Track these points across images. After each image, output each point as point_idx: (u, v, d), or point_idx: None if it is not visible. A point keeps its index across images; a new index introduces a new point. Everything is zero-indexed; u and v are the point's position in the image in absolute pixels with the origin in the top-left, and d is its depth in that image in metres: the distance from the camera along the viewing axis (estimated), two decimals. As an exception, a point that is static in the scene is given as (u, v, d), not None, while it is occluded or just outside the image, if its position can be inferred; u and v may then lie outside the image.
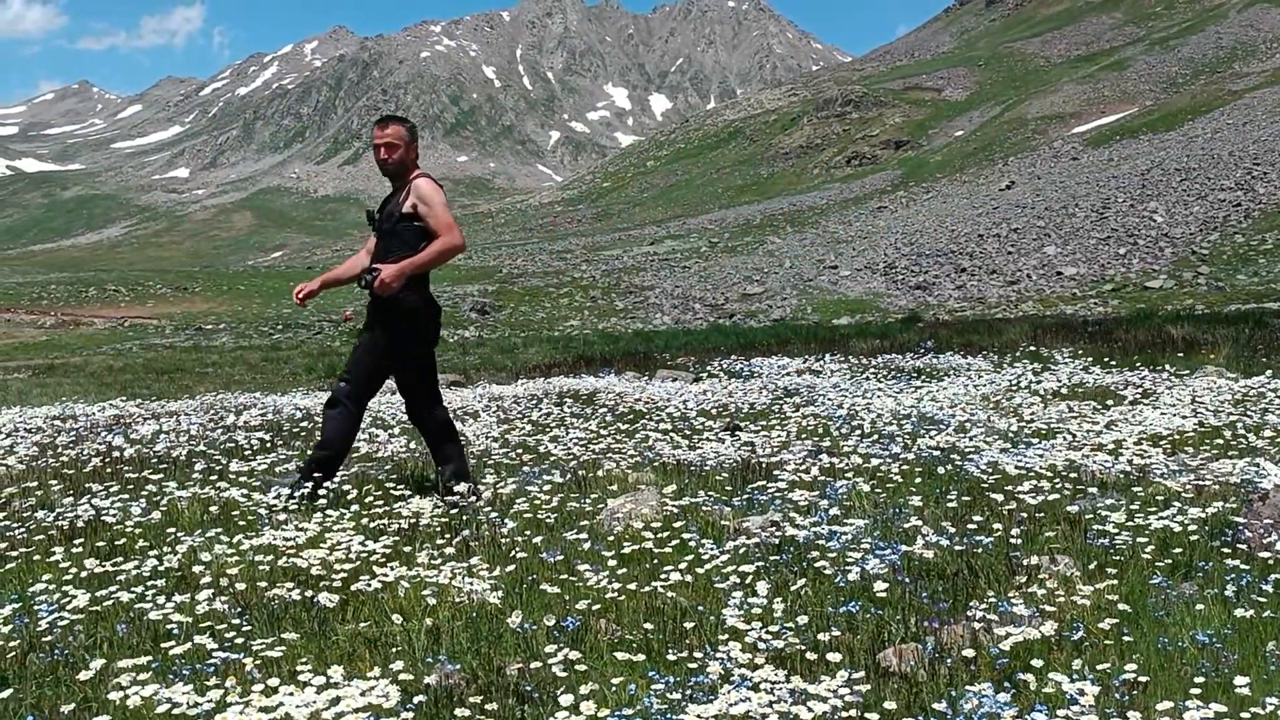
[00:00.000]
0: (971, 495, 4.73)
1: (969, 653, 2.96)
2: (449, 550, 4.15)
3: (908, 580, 3.60)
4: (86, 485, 5.65)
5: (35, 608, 3.62)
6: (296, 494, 5.11)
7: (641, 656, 3.05)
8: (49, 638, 3.39)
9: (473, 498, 5.09)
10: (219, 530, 4.54)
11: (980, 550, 3.89)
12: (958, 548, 3.90)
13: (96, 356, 27.68)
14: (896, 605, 3.38)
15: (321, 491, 5.09)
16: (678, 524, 4.33)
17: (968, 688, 2.71)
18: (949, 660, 2.93)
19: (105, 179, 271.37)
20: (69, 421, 8.53)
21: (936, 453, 5.76)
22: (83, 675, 3.03)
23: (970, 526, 4.14)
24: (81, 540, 4.50)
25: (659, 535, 4.13)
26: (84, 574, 4.00)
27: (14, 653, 3.29)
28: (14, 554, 4.39)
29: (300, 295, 5.59)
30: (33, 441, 7.32)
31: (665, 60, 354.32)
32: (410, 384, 5.48)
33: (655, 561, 3.92)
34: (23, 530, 4.72)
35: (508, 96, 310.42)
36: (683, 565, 3.73)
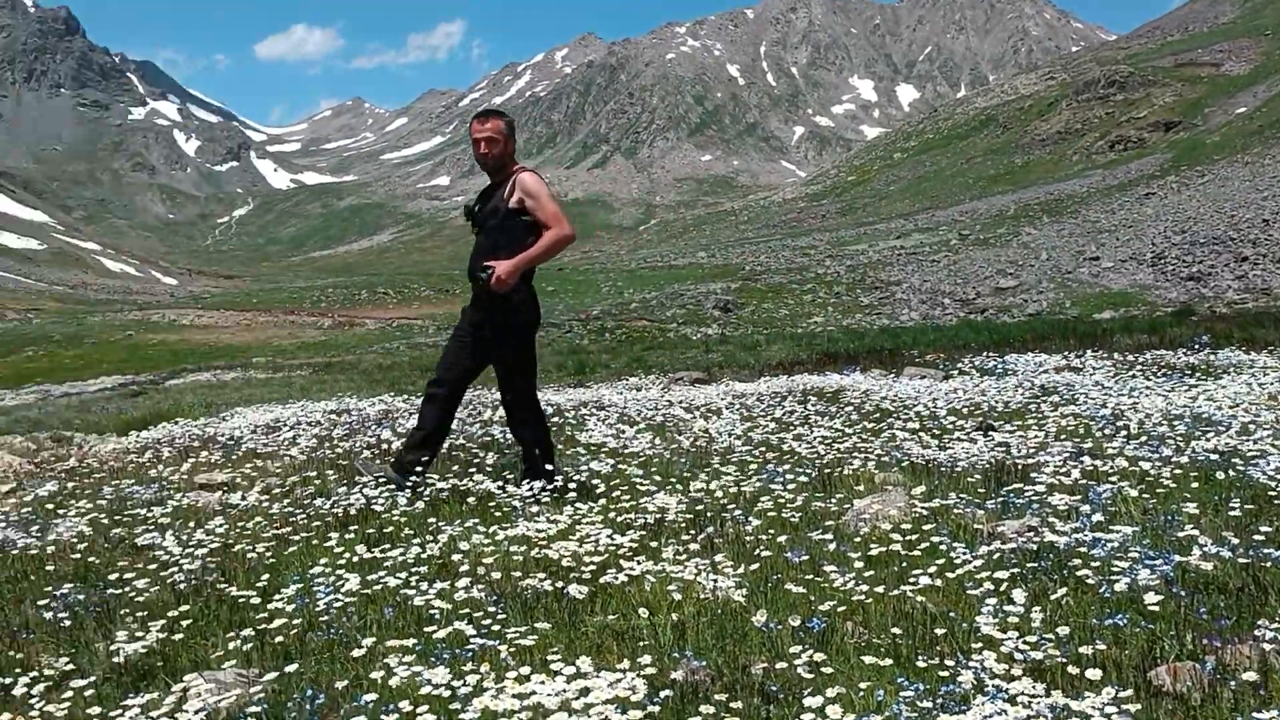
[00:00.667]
0: (1257, 503, 4.33)
1: (1256, 676, 2.71)
2: (693, 546, 4.18)
3: (1183, 594, 3.33)
4: (358, 475, 6.04)
5: (314, 589, 3.90)
6: (550, 485, 5.28)
7: (889, 661, 2.97)
8: (325, 617, 3.64)
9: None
10: (476, 521, 4.75)
11: (1269, 564, 3.55)
12: (1242, 560, 3.58)
13: (368, 355, 29.69)
14: (1170, 620, 3.14)
15: (572, 486, 5.24)
16: (927, 526, 4.18)
17: (1255, 714, 2.47)
18: (1232, 683, 2.69)
19: (375, 189, 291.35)
20: (344, 415, 9.15)
21: (1215, 456, 5.31)
22: (354, 654, 3.24)
23: (1257, 537, 3.78)
24: (354, 527, 4.82)
25: (907, 537, 4.00)
26: (356, 559, 4.27)
27: (296, 630, 3.56)
28: (296, 538, 4.76)
29: None
30: (312, 434, 7.90)
31: (913, 49, 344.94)
32: (509, 375, 5.63)
33: (904, 564, 3.80)
34: (304, 516, 5.11)
35: (751, 94, 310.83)
36: (933, 569, 3.60)
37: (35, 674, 3.41)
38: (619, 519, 4.68)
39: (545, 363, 21.92)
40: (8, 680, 3.39)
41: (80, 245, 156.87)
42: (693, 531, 4.45)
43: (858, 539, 4.20)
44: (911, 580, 3.55)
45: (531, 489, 5.23)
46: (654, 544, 4.26)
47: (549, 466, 5.48)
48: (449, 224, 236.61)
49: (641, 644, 3.25)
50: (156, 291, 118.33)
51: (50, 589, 4.32)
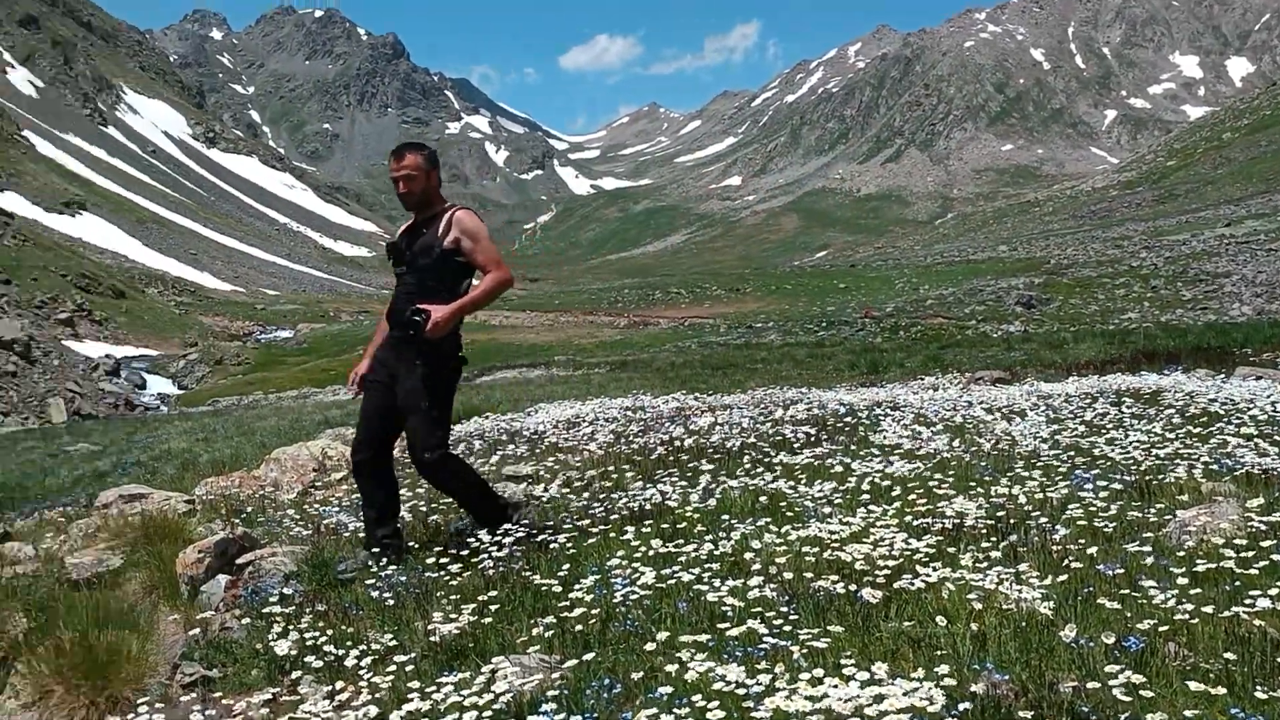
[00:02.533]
0: None
1: None
2: (995, 554, 3.98)
3: None
4: (654, 471, 6.17)
5: (611, 580, 4.02)
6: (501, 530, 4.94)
7: (1221, 690, 2.69)
8: (622, 609, 3.74)
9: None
10: (768, 520, 4.74)
11: None
12: None
13: (661, 353, 30.48)
14: None
15: (866, 488, 5.12)
16: (1266, 543, 3.78)
17: None
18: None
19: (669, 191, 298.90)
20: (638, 412, 9.40)
21: None
22: (649, 646, 3.31)
23: None
24: (649, 522, 4.93)
25: (1241, 554, 3.63)
26: (651, 553, 4.37)
27: (595, 620, 3.68)
28: (595, 530, 4.92)
29: (355, 382, 5.30)
30: (610, 429, 8.16)
31: (1248, 18, 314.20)
32: (420, 427, 5.00)
33: (1237, 584, 3.45)
34: (602, 510, 5.28)
35: (1057, 78, 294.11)
36: (1273, 591, 3.25)
37: (364, 648, 3.72)
38: (915, 523, 4.53)
39: (837, 361, 21.65)
40: (340, 652, 3.73)
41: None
42: (994, 538, 4.23)
43: (1181, 553, 3.85)
44: (1247, 601, 3.21)
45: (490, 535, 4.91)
46: (952, 550, 4.09)
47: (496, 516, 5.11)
48: (740, 224, 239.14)
49: (939, 653, 3.12)
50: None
51: (376, 570, 4.70)
